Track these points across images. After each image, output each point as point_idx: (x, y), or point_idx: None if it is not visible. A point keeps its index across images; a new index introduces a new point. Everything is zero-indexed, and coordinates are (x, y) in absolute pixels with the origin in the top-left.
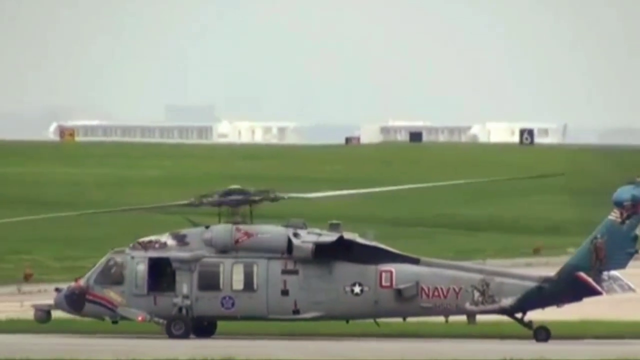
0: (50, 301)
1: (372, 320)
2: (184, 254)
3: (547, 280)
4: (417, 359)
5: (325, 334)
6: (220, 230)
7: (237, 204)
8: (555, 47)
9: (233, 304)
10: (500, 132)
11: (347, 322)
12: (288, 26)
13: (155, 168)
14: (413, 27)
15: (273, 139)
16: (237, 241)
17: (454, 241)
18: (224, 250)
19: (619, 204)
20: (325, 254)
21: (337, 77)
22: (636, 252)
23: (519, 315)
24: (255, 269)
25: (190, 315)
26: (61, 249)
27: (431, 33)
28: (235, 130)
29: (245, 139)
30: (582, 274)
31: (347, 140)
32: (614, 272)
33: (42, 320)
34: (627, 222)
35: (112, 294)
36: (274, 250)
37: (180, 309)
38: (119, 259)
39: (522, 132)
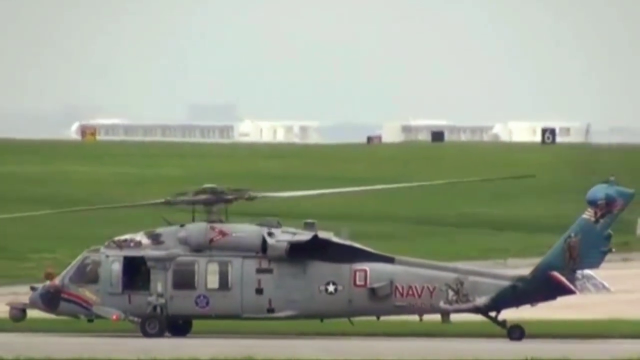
0: (26, 300)
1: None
2: (158, 253)
3: (521, 279)
4: (437, 358)
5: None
6: (195, 229)
7: (212, 203)
8: (579, 46)
9: (207, 303)
10: (522, 131)
11: (322, 320)
12: (309, 25)
13: (176, 167)
14: (434, 25)
15: (295, 138)
16: (211, 240)
17: (475, 240)
18: (199, 249)
19: (592, 203)
20: (299, 253)
21: (358, 75)
22: (610, 251)
23: (493, 314)
24: (229, 267)
25: (164, 313)
26: (82, 248)
27: (453, 32)
28: (257, 129)
29: (267, 138)
30: (555, 273)
31: (369, 139)
32: (587, 271)
33: (17, 318)
34: (601, 221)
35: (87, 293)
36: (249, 249)
37: (154, 308)
38: (94, 257)
39: (544, 131)
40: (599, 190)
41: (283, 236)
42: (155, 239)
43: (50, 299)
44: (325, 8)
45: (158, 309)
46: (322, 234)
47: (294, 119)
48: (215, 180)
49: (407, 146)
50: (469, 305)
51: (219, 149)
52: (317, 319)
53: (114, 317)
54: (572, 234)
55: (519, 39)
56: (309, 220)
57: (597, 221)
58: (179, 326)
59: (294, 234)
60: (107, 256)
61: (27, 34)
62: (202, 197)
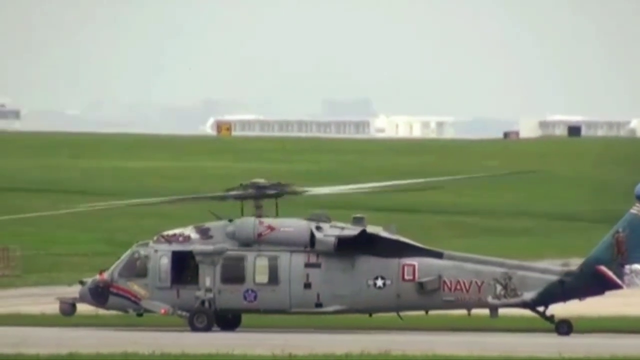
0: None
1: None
2: (207, 247)
3: (569, 273)
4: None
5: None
6: (243, 223)
7: (257, 198)
8: None
9: (256, 297)
10: None
11: (370, 315)
12: (446, 20)
13: (311, 163)
14: (571, 22)
15: (431, 134)
16: (259, 234)
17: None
18: (247, 243)
19: None
20: (347, 247)
21: (494, 71)
22: None
23: (540, 308)
24: (278, 262)
25: (212, 308)
26: None
27: (589, 28)
28: (393, 124)
29: (403, 133)
30: (603, 268)
31: (506, 134)
32: (636, 266)
33: (67, 313)
34: None
35: (136, 287)
36: (297, 244)
37: (203, 302)
38: (143, 252)
39: None
40: None
41: (331, 231)
42: (204, 234)
43: (100, 294)
44: (464, 3)
45: (206, 304)
46: (371, 229)
47: (430, 115)
48: (351, 175)
49: (544, 141)
50: (517, 299)
51: (354, 145)
52: (365, 314)
53: (163, 311)
54: (620, 229)
55: None
56: (358, 215)
57: None
58: (228, 320)
59: (343, 228)
60: (156, 251)
61: (167, 32)
62: (248, 192)
